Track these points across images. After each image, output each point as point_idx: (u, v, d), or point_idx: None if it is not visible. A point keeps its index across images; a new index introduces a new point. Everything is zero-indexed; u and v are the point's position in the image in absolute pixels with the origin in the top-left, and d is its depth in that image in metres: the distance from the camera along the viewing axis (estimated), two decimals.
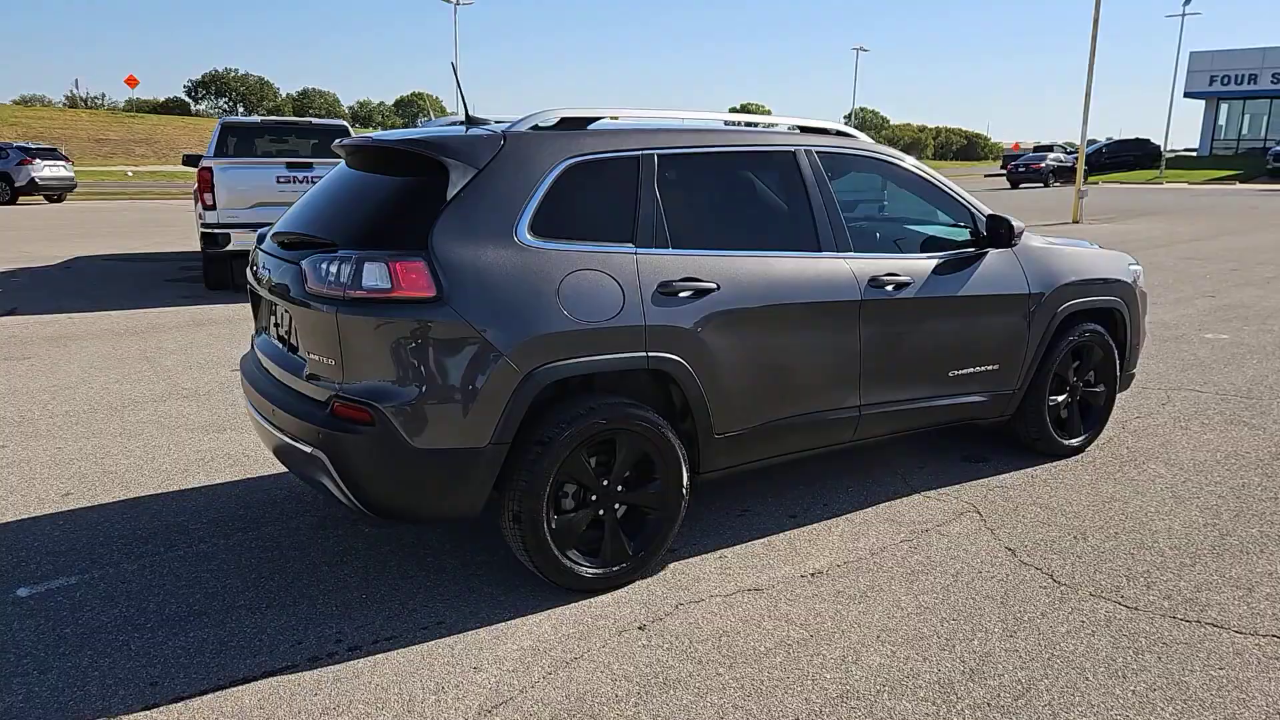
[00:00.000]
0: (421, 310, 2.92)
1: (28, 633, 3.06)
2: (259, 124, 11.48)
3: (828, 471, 4.61)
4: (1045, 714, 2.63)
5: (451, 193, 3.07)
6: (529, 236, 3.14)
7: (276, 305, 3.45)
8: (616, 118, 3.63)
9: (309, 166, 10.32)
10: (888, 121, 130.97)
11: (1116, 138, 52.89)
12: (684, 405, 3.45)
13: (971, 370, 4.34)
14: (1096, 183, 39.62)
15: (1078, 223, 21.31)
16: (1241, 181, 40.37)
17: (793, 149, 3.89)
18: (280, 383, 3.39)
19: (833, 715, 2.63)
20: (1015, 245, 4.42)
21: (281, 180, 10.21)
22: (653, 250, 3.36)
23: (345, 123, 11.63)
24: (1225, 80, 47.58)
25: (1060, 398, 4.80)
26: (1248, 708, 2.66)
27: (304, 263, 3.09)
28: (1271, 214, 23.82)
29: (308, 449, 3.08)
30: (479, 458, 3.05)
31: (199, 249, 10.53)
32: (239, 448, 4.94)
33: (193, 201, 10.65)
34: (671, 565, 3.57)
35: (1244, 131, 50.55)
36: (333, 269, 2.97)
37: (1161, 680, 2.79)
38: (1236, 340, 7.94)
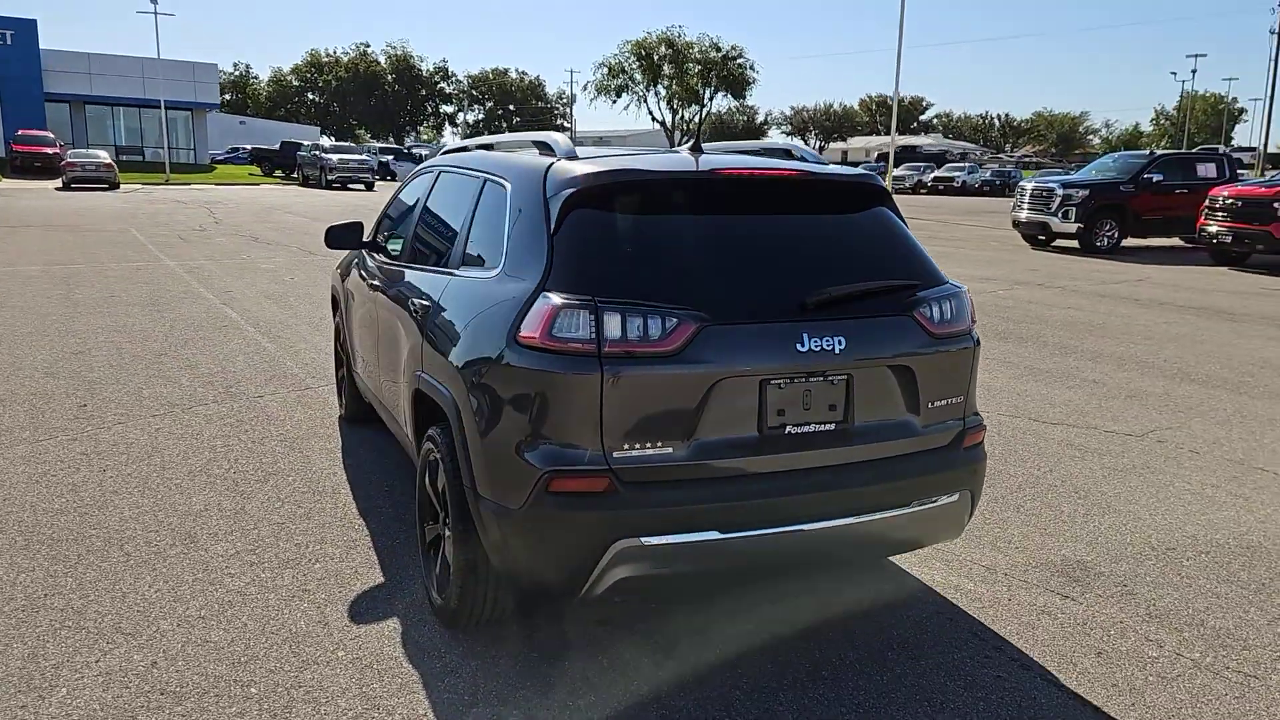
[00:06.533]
0: None
1: None
2: None
3: None
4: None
5: (903, 221, 3.22)
6: None
7: (808, 376, 2.79)
8: None
9: None
10: None
11: None
12: None
13: None
14: None
15: None
16: None
17: None
18: (842, 468, 2.85)
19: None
20: None
21: None
22: None
23: None
24: None
25: None
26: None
27: (924, 309, 2.98)
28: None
29: (946, 500, 2.98)
30: None
31: None
32: None
33: None
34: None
35: None
36: (950, 308, 3.03)
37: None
38: None
